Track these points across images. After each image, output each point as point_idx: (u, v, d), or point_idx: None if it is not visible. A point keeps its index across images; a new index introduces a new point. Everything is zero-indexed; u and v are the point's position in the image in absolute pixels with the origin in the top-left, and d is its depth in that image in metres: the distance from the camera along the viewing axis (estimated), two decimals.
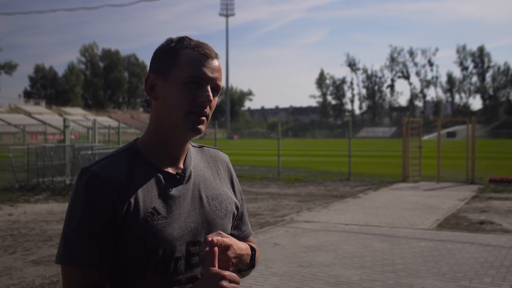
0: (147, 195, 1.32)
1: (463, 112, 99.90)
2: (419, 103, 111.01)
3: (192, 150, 1.47)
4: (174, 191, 1.36)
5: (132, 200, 1.30)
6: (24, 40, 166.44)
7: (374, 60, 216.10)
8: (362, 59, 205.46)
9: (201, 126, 1.34)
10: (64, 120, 15.74)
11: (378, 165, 23.06)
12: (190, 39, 1.37)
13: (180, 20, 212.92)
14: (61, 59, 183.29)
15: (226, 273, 1.20)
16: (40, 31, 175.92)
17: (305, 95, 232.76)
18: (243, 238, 1.57)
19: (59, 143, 21.51)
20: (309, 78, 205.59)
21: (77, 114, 78.64)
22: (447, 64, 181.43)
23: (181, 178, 1.38)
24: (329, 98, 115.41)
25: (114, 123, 50.35)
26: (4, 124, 60.99)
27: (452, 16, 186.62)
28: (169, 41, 1.38)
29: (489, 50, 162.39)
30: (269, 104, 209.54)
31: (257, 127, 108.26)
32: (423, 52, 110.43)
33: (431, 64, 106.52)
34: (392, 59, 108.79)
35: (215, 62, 1.36)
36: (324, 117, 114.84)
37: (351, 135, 18.61)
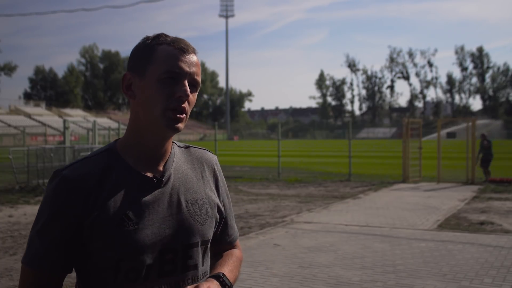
0: (119, 200, 1.27)
1: (463, 112, 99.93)
2: (419, 104, 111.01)
3: (176, 151, 1.43)
4: (149, 196, 1.31)
5: (103, 205, 1.26)
6: (24, 42, 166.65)
7: (374, 61, 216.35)
8: (362, 60, 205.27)
9: (179, 124, 1.29)
10: (64, 121, 15.75)
11: (378, 165, 23.07)
12: (167, 36, 1.33)
13: (180, 21, 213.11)
14: (61, 60, 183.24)
15: None
16: (40, 33, 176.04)
17: (305, 96, 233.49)
18: (229, 242, 1.55)
19: (59, 144, 21.53)
20: (309, 79, 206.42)
21: (77, 116, 78.64)
22: (446, 65, 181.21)
23: (158, 182, 1.33)
24: (329, 99, 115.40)
25: (114, 124, 50.34)
26: (4, 126, 61.02)
27: (451, 17, 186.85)
28: (146, 38, 1.34)
29: (489, 50, 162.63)
30: (269, 105, 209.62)
31: (257, 128, 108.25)
32: (423, 53, 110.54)
33: (430, 64, 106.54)
34: (392, 60, 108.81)
35: (193, 57, 1.31)
36: (324, 118, 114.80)
37: (351, 136, 18.62)
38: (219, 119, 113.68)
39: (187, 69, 1.29)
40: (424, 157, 16.78)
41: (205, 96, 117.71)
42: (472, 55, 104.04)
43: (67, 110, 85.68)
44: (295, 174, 19.08)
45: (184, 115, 1.29)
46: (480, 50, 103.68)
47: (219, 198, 1.48)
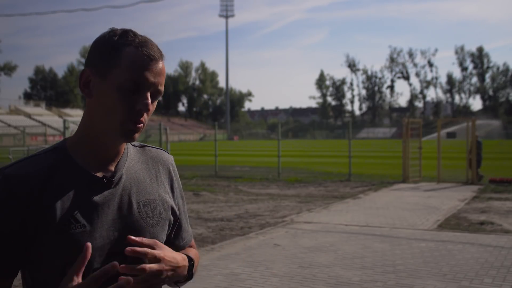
0: (67, 202, 1.21)
1: (463, 112, 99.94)
2: (419, 104, 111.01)
3: (131, 150, 1.36)
4: (98, 197, 1.24)
5: (48, 206, 1.19)
6: (24, 42, 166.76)
7: (374, 61, 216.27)
8: (362, 60, 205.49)
9: (136, 135, 1.24)
10: (64, 121, 15.72)
11: (378, 165, 23.07)
12: (135, 34, 1.23)
13: (179, 21, 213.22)
14: (61, 60, 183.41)
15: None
16: (40, 33, 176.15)
17: (305, 96, 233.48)
18: (182, 246, 1.47)
19: None
20: (309, 79, 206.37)
21: (77, 116, 78.55)
22: (446, 65, 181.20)
23: (108, 182, 1.26)
24: (329, 99, 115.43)
25: None
26: (4, 126, 61.05)
27: (451, 17, 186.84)
28: (112, 33, 1.24)
29: (489, 50, 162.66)
30: (269, 105, 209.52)
31: (257, 128, 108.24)
32: (423, 53, 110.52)
33: (430, 64, 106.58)
34: (392, 60, 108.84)
35: (159, 65, 1.23)
36: (324, 118, 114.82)
37: (351, 136, 18.61)
38: (219, 119, 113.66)
39: (152, 79, 1.21)
40: (424, 157, 16.79)
41: (205, 96, 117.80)
42: (472, 55, 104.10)
43: (67, 110, 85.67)
44: (295, 174, 19.08)
45: (142, 125, 1.23)
46: (480, 50, 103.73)
47: (174, 200, 1.42)
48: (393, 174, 17.90)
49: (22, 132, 35.30)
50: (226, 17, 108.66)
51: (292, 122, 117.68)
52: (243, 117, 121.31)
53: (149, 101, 1.22)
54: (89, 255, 1.14)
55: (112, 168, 1.29)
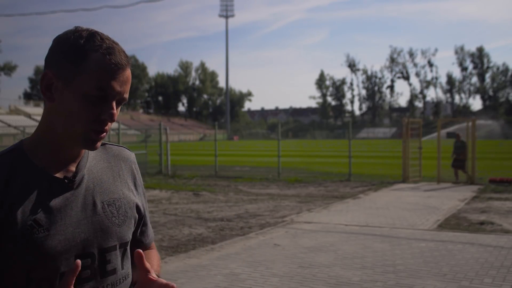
0: (27, 205, 1.17)
1: (463, 112, 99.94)
2: (419, 104, 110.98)
3: None
4: (60, 199, 1.20)
5: (7, 211, 1.15)
6: (24, 42, 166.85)
7: (374, 61, 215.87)
8: (362, 59, 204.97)
9: (98, 144, 1.22)
10: None
11: (378, 165, 23.07)
12: (102, 39, 1.19)
13: (179, 21, 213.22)
14: None
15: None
16: (40, 33, 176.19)
17: (305, 96, 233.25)
18: (148, 243, 1.48)
19: None
20: (309, 79, 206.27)
21: None
22: (446, 65, 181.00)
23: (70, 183, 1.23)
24: (329, 99, 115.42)
25: (113, 125, 50.22)
26: (4, 126, 61.07)
27: (452, 17, 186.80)
28: (77, 35, 1.19)
29: (489, 50, 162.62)
30: (269, 105, 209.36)
31: (257, 128, 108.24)
32: (423, 52, 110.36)
33: (431, 64, 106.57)
34: (392, 60, 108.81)
35: (126, 73, 1.20)
36: (324, 118, 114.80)
37: (351, 136, 18.61)
38: (219, 119, 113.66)
39: (118, 88, 1.18)
40: (424, 157, 16.79)
41: (205, 96, 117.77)
42: (472, 55, 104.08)
43: None
44: (295, 174, 19.08)
45: (104, 134, 1.22)
46: (480, 50, 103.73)
47: (138, 197, 1.40)
48: (393, 174, 17.90)
49: (22, 132, 35.30)
50: (226, 17, 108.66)
51: (292, 122, 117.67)
52: (243, 117, 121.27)
53: (115, 111, 1.19)
54: (77, 272, 1.13)
55: (73, 169, 1.26)
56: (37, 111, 78.99)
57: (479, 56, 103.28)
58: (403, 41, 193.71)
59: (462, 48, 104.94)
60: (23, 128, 37.30)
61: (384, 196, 12.68)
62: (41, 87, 1.21)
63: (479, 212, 10.14)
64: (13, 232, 1.15)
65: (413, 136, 17.19)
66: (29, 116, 72.56)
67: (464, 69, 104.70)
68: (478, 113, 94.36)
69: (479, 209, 10.44)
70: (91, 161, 1.31)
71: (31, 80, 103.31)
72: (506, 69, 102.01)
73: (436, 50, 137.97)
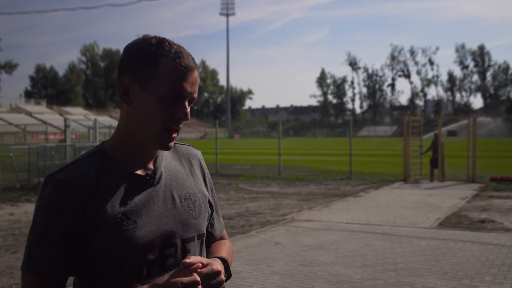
0: (116, 200, 1.29)
1: (464, 111, 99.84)
2: (420, 102, 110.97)
3: None
4: (144, 194, 1.32)
5: (100, 206, 1.27)
6: (24, 40, 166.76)
7: (375, 59, 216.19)
8: (363, 58, 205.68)
9: (171, 143, 1.33)
10: (65, 119, 15.73)
11: (379, 164, 23.06)
12: (170, 44, 1.30)
13: (180, 19, 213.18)
14: (62, 58, 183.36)
15: (185, 280, 1.22)
16: (40, 31, 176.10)
17: (306, 94, 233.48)
18: (217, 236, 1.57)
19: (60, 142, 21.54)
20: (310, 77, 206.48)
21: (78, 114, 78.70)
22: (447, 63, 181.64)
23: (151, 180, 1.35)
24: (330, 97, 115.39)
25: (115, 123, 50.38)
26: (5, 124, 61.04)
27: (453, 15, 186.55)
28: (147, 43, 1.30)
29: (490, 48, 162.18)
30: (270, 103, 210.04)
31: (258, 126, 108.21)
32: (424, 51, 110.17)
33: (431, 63, 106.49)
34: (393, 58, 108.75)
35: (195, 74, 1.31)
36: (325, 116, 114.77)
37: (352, 134, 18.61)
38: (220, 117, 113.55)
39: (189, 89, 1.29)
40: (425, 155, 16.78)
41: (206, 95, 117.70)
42: (473, 53, 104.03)
43: (68, 109, 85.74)
44: (296, 172, 19.08)
45: (176, 134, 1.32)
46: (481, 48, 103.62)
47: (208, 192, 1.51)
48: (394, 172, 17.90)
49: (23, 130, 35.31)
50: (227, 15, 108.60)
51: (293, 120, 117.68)
52: (244, 115, 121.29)
53: (188, 110, 1.31)
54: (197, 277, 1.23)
55: (151, 167, 1.38)
56: (38, 109, 79.00)
57: (480, 54, 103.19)
58: (404, 39, 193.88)
59: (463, 46, 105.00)
60: (24, 126, 37.30)
61: (385, 194, 12.68)
62: (119, 92, 1.32)
63: (480, 210, 10.13)
64: (106, 225, 1.26)
65: (414, 135, 17.18)
66: (30, 114, 72.55)
67: (465, 67, 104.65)
68: (479, 112, 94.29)
69: (480, 207, 10.44)
70: (165, 160, 1.42)
71: (31, 79, 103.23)
72: (507, 67, 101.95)
73: (437, 48, 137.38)
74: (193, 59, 1.31)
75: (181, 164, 1.46)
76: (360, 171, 18.48)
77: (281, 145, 19.62)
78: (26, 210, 10.34)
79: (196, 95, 1.33)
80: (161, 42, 1.29)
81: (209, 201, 1.49)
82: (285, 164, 20.22)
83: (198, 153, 1.55)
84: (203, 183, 1.50)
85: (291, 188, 14.38)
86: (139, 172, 1.35)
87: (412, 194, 12.66)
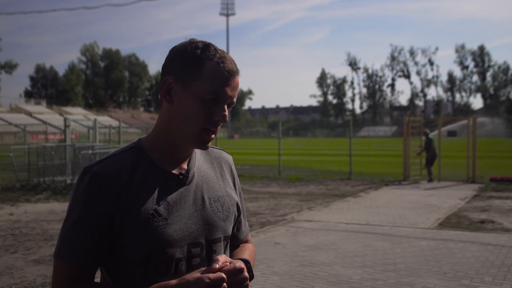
0: (148, 196, 1.32)
1: (464, 111, 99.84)
2: (419, 102, 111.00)
3: (196, 151, 1.48)
4: (176, 193, 1.36)
5: (133, 201, 1.31)
6: (24, 40, 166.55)
7: (375, 60, 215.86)
8: (363, 58, 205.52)
9: (209, 144, 1.38)
10: (65, 119, 15.74)
11: (379, 164, 23.07)
12: (215, 49, 1.35)
13: (180, 19, 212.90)
14: (62, 58, 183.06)
15: (212, 276, 1.23)
16: (40, 31, 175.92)
17: (306, 94, 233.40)
18: (242, 239, 1.61)
19: (60, 142, 21.54)
20: (310, 78, 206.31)
21: (77, 114, 78.61)
22: (447, 63, 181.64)
23: (184, 179, 1.39)
24: (330, 97, 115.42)
25: (114, 123, 50.36)
26: (4, 124, 61.02)
27: (453, 16, 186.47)
28: (194, 46, 1.35)
29: (490, 49, 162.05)
30: (270, 104, 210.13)
31: (258, 127, 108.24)
32: (424, 51, 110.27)
33: (431, 63, 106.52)
34: (393, 58, 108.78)
35: (236, 79, 1.36)
36: (325, 116, 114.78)
37: (352, 134, 18.62)
38: None
39: (229, 93, 1.34)
40: (424, 155, 16.76)
41: None
42: (473, 53, 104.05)
43: (68, 109, 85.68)
44: (296, 172, 19.08)
45: (214, 135, 1.37)
46: (481, 48, 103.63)
47: (237, 196, 1.55)
48: (394, 173, 17.90)
49: (23, 130, 35.28)
50: (227, 15, 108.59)
51: (292, 121, 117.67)
52: (243, 115, 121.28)
53: (227, 113, 1.35)
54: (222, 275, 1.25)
55: (185, 167, 1.42)
56: (38, 109, 78.98)
57: (480, 55, 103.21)
58: (404, 39, 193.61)
59: (463, 47, 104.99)
60: (24, 126, 37.25)
61: (384, 195, 12.68)
62: (161, 91, 1.36)
63: (479, 210, 10.13)
64: (136, 220, 1.30)
65: (414, 135, 17.19)
66: (29, 114, 72.52)
67: (465, 67, 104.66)
68: (479, 112, 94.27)
69: (480, 208, 10.44)
70: (198, 161, 1.47)
71: (31, 78, 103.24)
72: (507, 68, 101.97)
73: (437, 48, 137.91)
74: (235, 64, 1.36)
75: (212, 167, 1.50)
76: (360, 172, 18.48)
77: (281, 145, 19.62)
78: (25, 210, 10.33)
79: (235, 100, 1.38)
80: (207, 46, 1.35)
81: (237, 205, 1.53)
82: (285, 164, 20.23)
83: (229, 157, 1.60)
84: (232, 187, 1.54)
85: (291, 188, 14.38)
86: (173, 171, 1.39)
87: (412, 195, 12.66)
